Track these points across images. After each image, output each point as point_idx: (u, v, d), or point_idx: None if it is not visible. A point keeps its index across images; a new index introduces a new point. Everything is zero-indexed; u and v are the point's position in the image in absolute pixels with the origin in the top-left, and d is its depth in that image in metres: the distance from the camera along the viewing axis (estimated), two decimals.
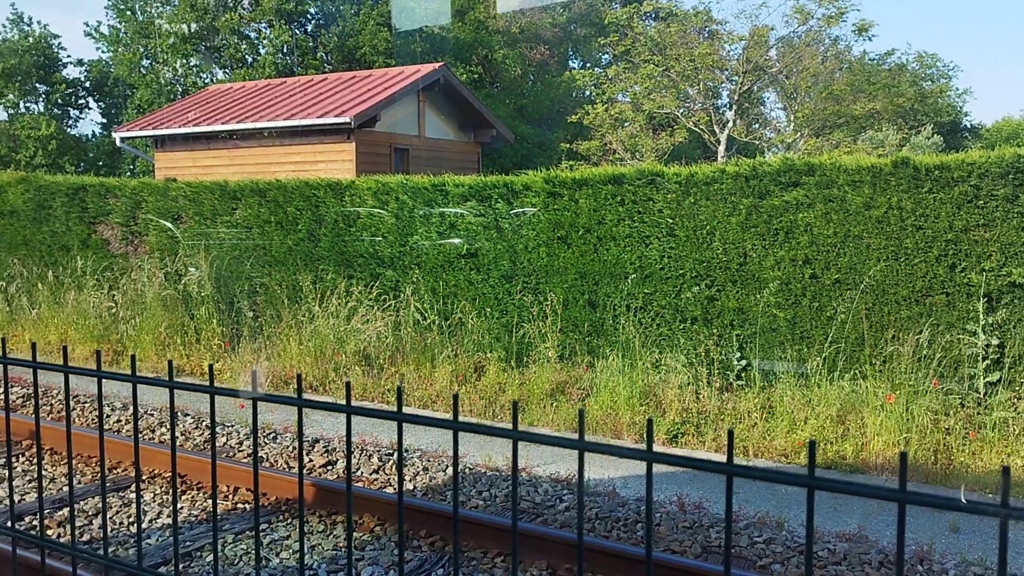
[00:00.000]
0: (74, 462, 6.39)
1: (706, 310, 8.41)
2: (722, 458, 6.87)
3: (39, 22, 33.97)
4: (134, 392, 2.06)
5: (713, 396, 7.76)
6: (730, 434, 1.25)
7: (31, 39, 28.94)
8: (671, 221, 8.55)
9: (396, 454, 6.24)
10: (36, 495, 5.65)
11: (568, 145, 22.26)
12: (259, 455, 6.56)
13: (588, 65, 38.54)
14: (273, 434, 7.14)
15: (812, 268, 7.91)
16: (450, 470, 6.27)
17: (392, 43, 29.48)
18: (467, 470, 6.27)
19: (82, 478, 6.06)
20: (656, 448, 7.25)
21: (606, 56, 37.90)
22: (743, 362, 8.16)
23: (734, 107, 19.85)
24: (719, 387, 7.97)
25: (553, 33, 38.70)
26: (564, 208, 9.11)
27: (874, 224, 7.62)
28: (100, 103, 31.49)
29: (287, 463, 6.47)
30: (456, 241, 9.76)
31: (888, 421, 6.75)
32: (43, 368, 2.17)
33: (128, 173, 29.13)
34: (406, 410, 8.45)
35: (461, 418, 8.12)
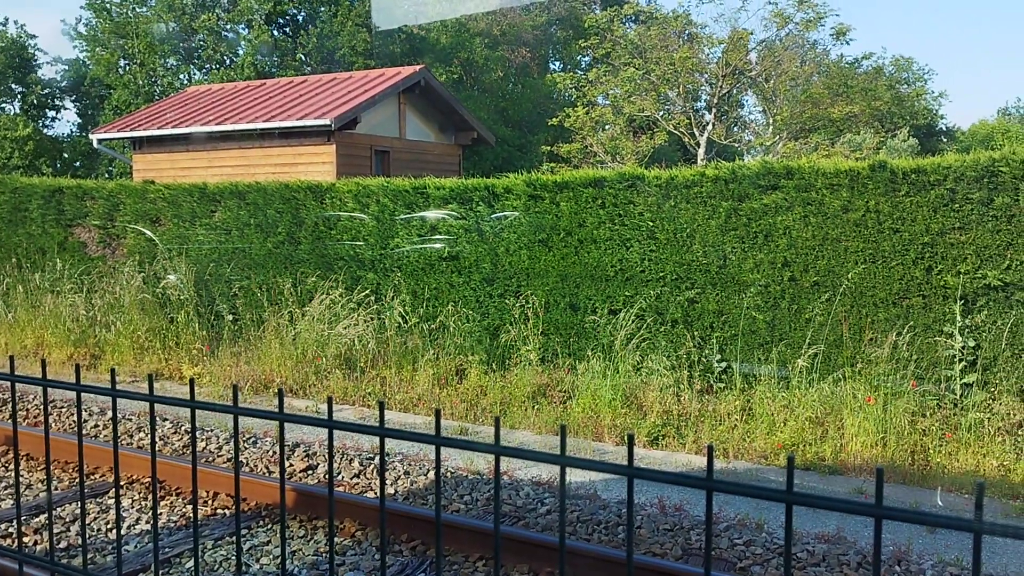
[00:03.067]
0: (51, 467, 6.32)
1: (686, 312, 8.45)
2: (702, 461, 6.90)
3: (16, 22, 33.55)
4: (114, 405, 2.05)
5: (694, 398, 7.80)
6: (710, 449, 1.26)
7: (6, 39, 28.62)
8: (651, 224, 8.59)
9: (379, 461, 6.23)
10: (12, 502, 5.59)
11: (549, 148, 22.31)
12: (239, 459, 6.53)
13: (569, 68, 38.65)
14: (253, 438, 7.10)
15: (791, 271, 7.97)
16: (431, 474, 6.26)
17: (371, 44, 29.41)
18: (448, 474, 6.27)
19: (59, 484, 6.00)
20: (637, 450, 7.29)
21: (586, 59, 38.07)
22: (723, 364, 8.20)
23: (713, 110, 19.97)
24: (700, 389, 8.02)
25: (534, 35, 38.77)
26: (545, 211, 9.13)
27: (852, 227, 7.69)
28: (77, 104, 31.20)
29: (267, 467, 6.44)
30: (437, 244, 9.75)
31: (867, 423, 6.82)
32: (22, 381, 2.15)
33: (106, 175, 28.86)
34: (387, 413, 8.44)
35: (442, 421, 8.11)
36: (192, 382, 1.94)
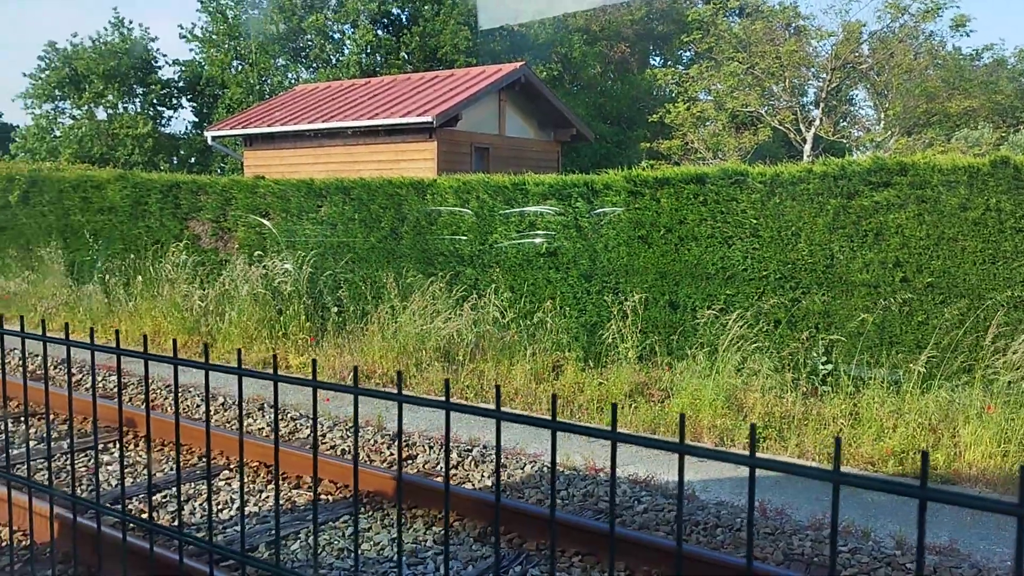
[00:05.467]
0: (171, 449, 6.65)
1: (790, 313, 8.24)
2: (808, 464, 6.72)
3: (140, 24, 35.33)
4: (240, 384, 2.16)
5: (798, 401, 7.59)
6: (837, 441, 1.24)
7: (131, 42, 30.16)
8: (755, 221, 8.40)
9: (495, 450, 6.30)
10: (131, 480, 5.91)
11: (649, 144, 22.02)
12: (343, 448, 6.70)
13: (669, 63, 38.14)
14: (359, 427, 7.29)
15: (903, 271, 7.67)
16: (528, 468, 6.30)
17: (473, 42, 29.72)
18: (544, 468, 6.29)
19: (172, 465, 6.30)
20: (736, 452, 7.14)
21: (688, 54, 37.46)
22: (828, 367, 7.96)
23: (821, 105, 19.30)
24: (804, 392, 7.79)
25: (633, 30, 38.39)
26: (645, 207, 9.04)
27: (970, 226, 7.34)
28: (192, 102, 32.62)
29: (368, 456, 6.60)
30: (536, 240, 9.79)
31: (985, 431, 6.50)
32: (153, 359, 2.28)
33: (218, 170, 30.11)
34: (484, 406, 8.53)
35: (539, 417, 8.15)
36: (314, 363, 2.02)
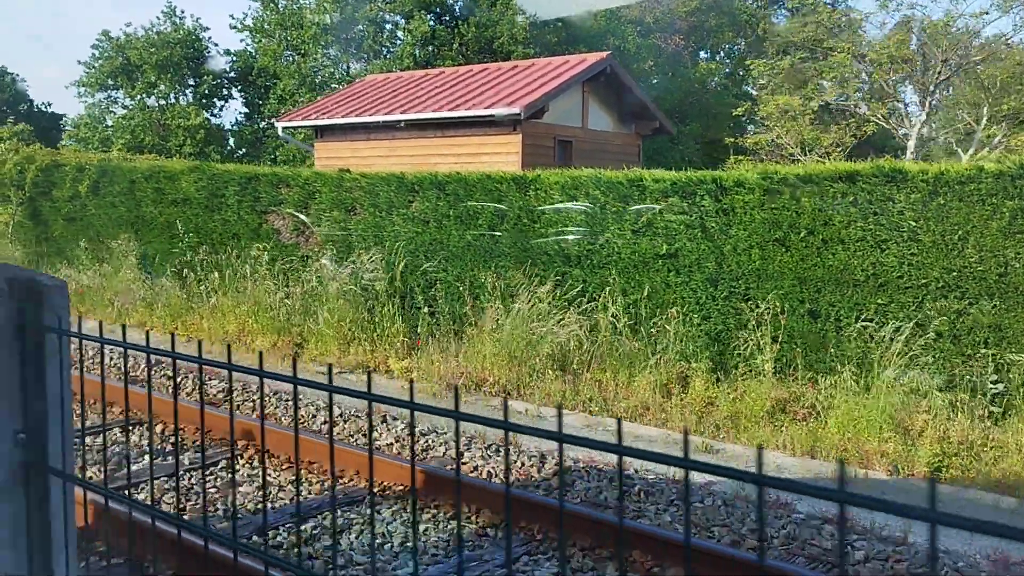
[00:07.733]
0: (296, 469, 6.08)
1: (954, 325, 7.50)
2: (1011, 502, 6.00)
3: (191, 15, 35.05)
4: (330, 401, 1.67)
5: (975, 425, 6.86)
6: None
7: (183, 32, 29.82)
8: (914, 224, 7.66)
9: (618, 479, 5.70)
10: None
11: (734, 140, 21.13)
12: (474, 465, 6.07)
13: (720, 56, 37.32)
14: (495, 446, 6.67)
15: None
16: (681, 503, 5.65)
17: (530, 33, 29.03)
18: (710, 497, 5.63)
19: (315, 487, 5.70)
20: (919, 483, 6.43)
21: (738, 47, 36.64)
22: (999, 386, 7.21)
23: (927, 101, 18.30)
24: (979, 415, 7.06)
25: (688, 23, 37.46)
26: (783, 207, 8.33)
27: None
28: (243, 93, 32.25)
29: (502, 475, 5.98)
30: (653, 240, 9.11)
31: None
32: (237, 370, 1.65)
33: (269, 162, 29.69)
34: (610, 422, 7.86)
35: (672, 435, 7.49)
36: (412, 383, 1.57)
